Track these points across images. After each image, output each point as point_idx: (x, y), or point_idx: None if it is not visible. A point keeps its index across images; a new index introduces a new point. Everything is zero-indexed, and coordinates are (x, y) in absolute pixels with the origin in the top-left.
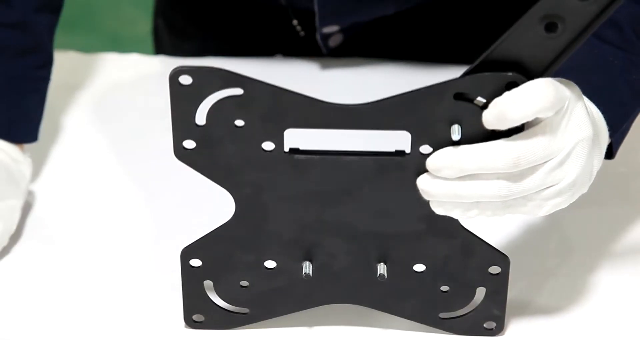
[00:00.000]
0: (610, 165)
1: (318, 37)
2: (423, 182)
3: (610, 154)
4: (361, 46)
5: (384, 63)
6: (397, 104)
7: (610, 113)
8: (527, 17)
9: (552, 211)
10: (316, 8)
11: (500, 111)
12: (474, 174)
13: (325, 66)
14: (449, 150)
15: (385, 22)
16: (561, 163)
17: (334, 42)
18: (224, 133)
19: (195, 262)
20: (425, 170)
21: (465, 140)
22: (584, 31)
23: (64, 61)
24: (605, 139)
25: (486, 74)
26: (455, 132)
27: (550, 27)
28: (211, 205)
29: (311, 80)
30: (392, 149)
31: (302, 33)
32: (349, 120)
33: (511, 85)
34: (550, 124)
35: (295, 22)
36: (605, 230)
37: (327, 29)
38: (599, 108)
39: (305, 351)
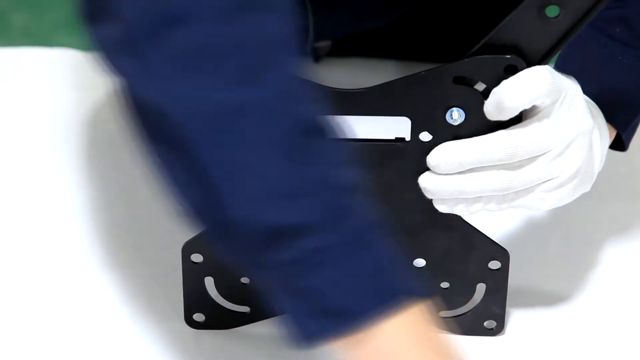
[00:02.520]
0: (610, 164)
1: (308, 48)
2: (424, 180)
3: (622, 146)
4: (348, 48)
5: (385, 63)
6: (397, 88)
7: (620, 111)
8: (528, 1)
9: (554, 205)
10: (311, 27)
11: (498, 100)
12: (474, 168)
13: (326, 66)
14: (446, 145)
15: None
16: (560, 154)
17: (323, 51)
18: None
19: (197, 258)
20: (424, 159)
21: (465, 125)
22: (584, 17)
23: (64, 60)
24: (606, 136)
25: (484, 56)
26: (453, 117)
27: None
28: None
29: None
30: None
31: None
32: (348, 105)
33: (510, 68)
34: (548, 114)
35: None
36: (605, 228)
37: (319, 44)
38: (609, 107)
39: (305, 351)
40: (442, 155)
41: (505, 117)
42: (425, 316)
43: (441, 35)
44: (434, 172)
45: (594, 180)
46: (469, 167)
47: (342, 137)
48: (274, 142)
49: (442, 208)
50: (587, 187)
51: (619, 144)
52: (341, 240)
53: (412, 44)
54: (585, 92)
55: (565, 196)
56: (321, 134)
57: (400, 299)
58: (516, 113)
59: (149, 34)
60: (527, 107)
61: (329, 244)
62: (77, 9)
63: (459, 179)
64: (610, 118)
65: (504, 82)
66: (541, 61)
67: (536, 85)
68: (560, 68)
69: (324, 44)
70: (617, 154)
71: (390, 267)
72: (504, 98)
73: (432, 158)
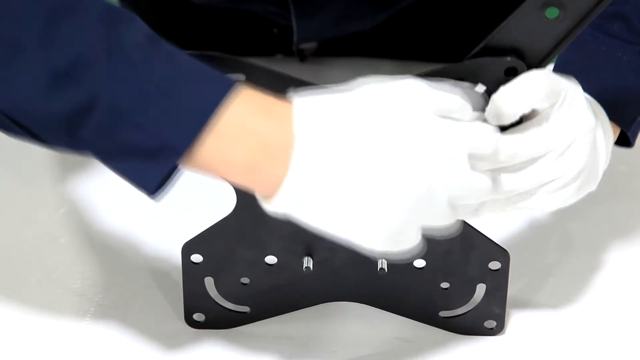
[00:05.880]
0: (610, 164)
1: (294, 48)
2: None
3: (628, 142)
4: (335, 48)
5: (386, 63)
6: None
7: (623, 109)
8: (528, 3)
9: (559, 206)
10: (295, 28)
11: (497, 107)
12: None
13: (326, 66)
14: None
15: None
16: (562, 154)
17: (308, 51)
18: None
19: (197, 258)
20: None
21: None
22: (583, 18)
23: None
24: (610, 135)
25: (485, 58)
26: None
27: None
28: (212, 199)
29: (312, 80)
30: None
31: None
32: None
33: (510, 70)
34: (547, 116)
35: (275, 30)
36: (605, 227)
37: (304, 45)
38: (612, 105)
39: (305, 351)
40: None
41: (505, 122)
42: (255, 92)
43: (436, 35)
44: None
45: (600, 178)
46: None
47: None
48: (16, 39)
49: None
50: (592, 186)
51: (623, 140)
52: (124, 90)
53: (407, 44)
54: (586, 91)
55: (569, 196)
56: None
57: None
58: (516, 118)
59: None
60: (526, 112)
61: (115, 100)
62: None
63: None
64: (613, 116)
65: (502, 89)
66: (542, 62)
67: (534, 90)
68: (560, 69)
69: (310, 45)
70: (616, 153)
71: (185, 84)
72: (503, 105)
73: None
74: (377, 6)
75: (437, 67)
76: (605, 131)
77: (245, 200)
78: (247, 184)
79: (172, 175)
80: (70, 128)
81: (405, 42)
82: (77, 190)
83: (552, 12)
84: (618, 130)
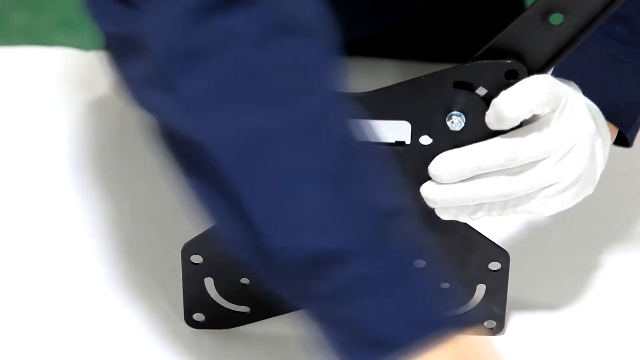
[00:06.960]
0: (610, 164)
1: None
2: (427, 190)
3: (626, 142)
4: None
5: (387, 63)
6: (398, 92)
7: (623, 112)
8: (532, 8)
9: (557, 210)
10: None
11: (498, 111)
12: (475, 175)
13: None
14: (447, 154)
15: None
16: (562, 158)
17: None
18: None
19: (196, 259)
20: (424, 162)
21: (467, 130)
22: (588, 25)
23: (63, 60)
24: (607, 139)
25: (485, 61)
26: (454, 123)
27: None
28: None
29: None
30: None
31: None
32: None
33: (511, 73)
34: (548, 120)
35: None
36: (605, 228)
37: None
38: (613, 108)
39: (304, 351)
40: (443, 165)
41: (506, 127)
42: (473, 348)
43: (439, 37)
44: (436, 182)
45: (597, 182)
46: (470, 175)
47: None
48: (311, 167)
49: (444, 216)
50: (589, 190)
51: (621, 139)
52: (383, 267)
53: (408, 45)
54: (587, 94)
55: (568, 201)
56: (360, 157)
57: (444, 329)
58: (517, 123)
59: (179, 67)
60: (527, 117)
61: (370, 271)
62: (102, 45)
63: (461, 187)
64: (613, 117)
65: (503, 93)
66: (544, 68)
67: (535, 96)
68: (561, 70)
69: None
70: (617, 154)
71: (433, 295)
72: (504, 109)
73: (433, 168)
74: (385, 12)
75: (439, 68)
76: (603, 136)
77: None
78: None
79: None
80: (310, 275)
81: (407, 43)
82: (78, 190)
83: (556, 18)
84: (616, 132)
